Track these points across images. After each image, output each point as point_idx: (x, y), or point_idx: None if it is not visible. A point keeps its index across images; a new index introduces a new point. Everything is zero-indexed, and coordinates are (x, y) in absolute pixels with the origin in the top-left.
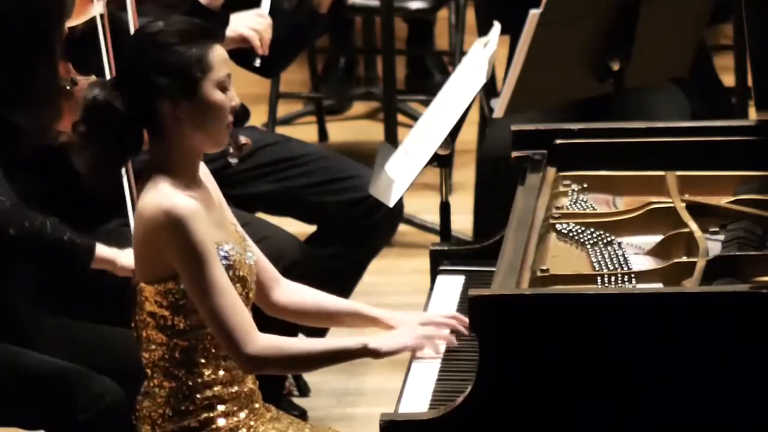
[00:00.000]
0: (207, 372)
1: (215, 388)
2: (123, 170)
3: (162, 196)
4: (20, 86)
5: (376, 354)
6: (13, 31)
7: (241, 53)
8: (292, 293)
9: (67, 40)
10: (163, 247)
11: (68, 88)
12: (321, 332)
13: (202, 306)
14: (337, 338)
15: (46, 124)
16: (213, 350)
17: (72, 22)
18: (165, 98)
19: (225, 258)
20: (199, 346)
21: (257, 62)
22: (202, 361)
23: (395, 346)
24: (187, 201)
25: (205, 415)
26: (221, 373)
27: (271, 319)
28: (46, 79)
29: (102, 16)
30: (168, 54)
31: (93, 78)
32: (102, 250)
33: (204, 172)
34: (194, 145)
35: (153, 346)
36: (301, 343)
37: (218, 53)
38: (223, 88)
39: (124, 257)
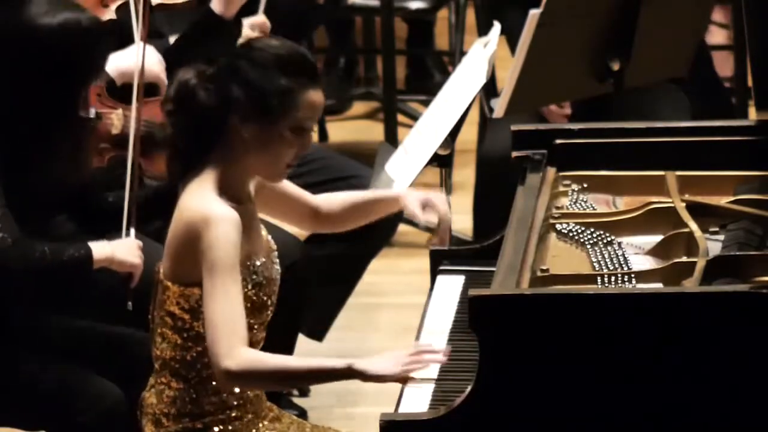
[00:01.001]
0: (215, 377)
1: (222, 394)
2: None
3: (204, 201)
4: (35, 138)
5: (362, 376)
6: (35, 85)
7: None
8: (330, 209)
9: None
10: (195, 251)
11: (92, 124)
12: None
13: (205, 308)
14: (322, 358)
15: (69, 170)
16: None
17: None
18: (237, 113)
19: (256, 274)
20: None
21: None
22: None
23: (381, 372)
24: (226, 210)
25: (211, 418)
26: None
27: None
28: (61, 133)
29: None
30: (255, 73)
31: (119, 111)
32: (98, 251)
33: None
34: (249, 168)
35: (166, 345)
36: (282, 361)
37: (311, 97)
38: (299, 131)
39: (120, 252)
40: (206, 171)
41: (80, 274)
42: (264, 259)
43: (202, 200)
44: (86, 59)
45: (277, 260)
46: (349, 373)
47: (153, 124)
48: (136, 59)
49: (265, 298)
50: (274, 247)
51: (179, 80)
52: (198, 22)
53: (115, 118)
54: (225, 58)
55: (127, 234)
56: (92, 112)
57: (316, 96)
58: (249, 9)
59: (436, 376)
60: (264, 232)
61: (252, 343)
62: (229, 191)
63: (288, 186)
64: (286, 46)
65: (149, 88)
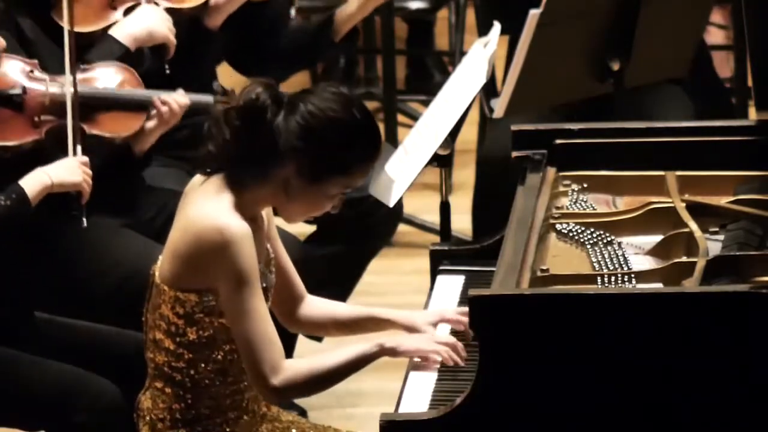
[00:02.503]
0: (211, 382)
1: (218, 398)
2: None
3: (219, 212)
4: None
5: (392, 352)
6: None
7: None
8: (310, 309)
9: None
10: (207, 263)
11: (16, 99)
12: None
13: (235, 329)
14: (352, 345)
15: None
16: (219, 363)
17: (91, 27)
18: (295, 160)
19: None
20: (204, 359)
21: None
22: (207, 372)
23: (412, 349)
24: (242, 224)
25: (206, 422)
26: (225, 384)
27: None
28: None
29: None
30: (333, 136)
31: (54, 80)
32: (31, 186)
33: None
34: (273, 204)
35: (159, 349)
36: (318, 362)
37: (363, 172)
38: (337, 196)
39: (57, 175)
40: (231, 186)
41: (21, 217)
42: (261, 266)
43: (217, 212)
44: None
45: (274, 269)
46: (381, 353)
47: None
48: (144, 22)
49: None
50: (272, 256)
51: (248, 96)
52: (185, 31)
53: (47, 88)
54: (308, 103)
55: (74, 154)
56: (17, 89)
57: (367, 171)
58: (245, 20)
59: (437, 374)
60: (267, 243)
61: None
62: (246, 211)
63: (287, 263)
64: (364, 113)
65: (157, 48)
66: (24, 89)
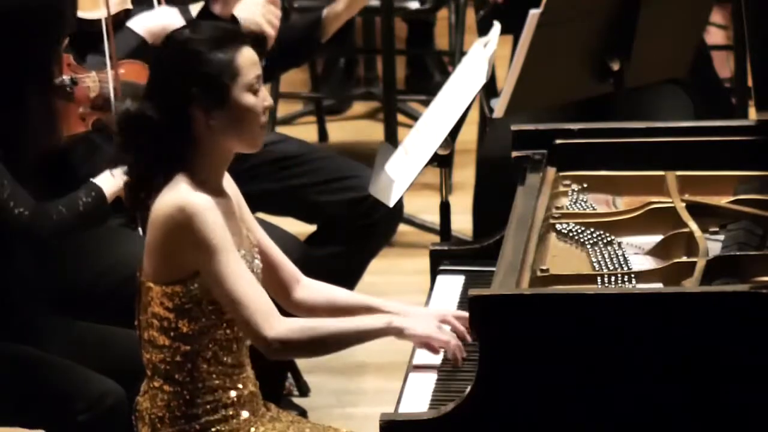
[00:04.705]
0: (208, 377)
1: (216, 393)
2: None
3: (177, 193)
4: (14, 106)
5: (399, 332)
6: (8, 50)
7: None
8: (308, 292)
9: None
10: (179, 243)
11: (68, 90)
12: None
13: (221, 295)
14: (360, 317)
15: (43, 139)
16: (215, 356)
17: (96, 14)
18: (197, 107)
19: None
20: (201, 351)
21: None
22: (204, 366)
23: (421, 333)
24: (202, 196)
25: (206, 419)
26: (223, 378)
27: None
28: (39, 98)
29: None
30: (197, 62)
31: (93, 75)
32: (107, 186)
33: (232, 186)
34: (228, 149)
35: (155, 348)
36: (325, 324)
37: (246, 56)
38: (253, 90)
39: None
40: (177, 171)
41: (101, 215)
42: (244, 252)
43: (172, 194)
44: (53, 18)
45: (259, 256)
46: (389, 330)
47: (131, 83)
48: (162, 19)
49: None
50: (255, 242)
51: (120, 113)
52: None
53: (90, 82)
54: (155, 70)
55: None
56: (67, 79)
57: (248, 52)
58: None
59: (436, 374)
60: (245, 230)
61: (237, 339)
62: (205, 187)
63: (270, 246)
64: (205, 26)
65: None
66: (73, 80)
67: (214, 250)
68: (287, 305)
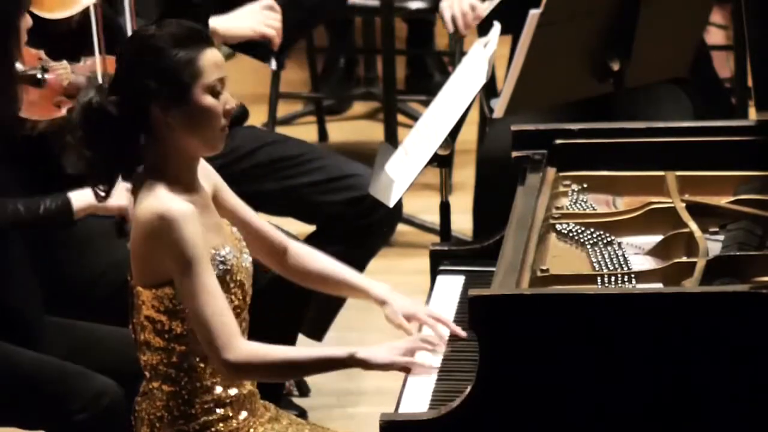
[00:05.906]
0: (206, 376)
1: (214, 392)
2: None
3: (157, 200)
4: None
5: (364, 364)
6: None
7: (253, 46)
8: (299, 260)
9: (48, 30)
10: (158, 251)
11: (39, 76)
12: (321, 333)
13: (189, 308)
14: (325, 347)
15: (3, 116)
16: None
17: (66, 13)
18: (156, 104)
19: (222, 263)
20: (197, 351)
21: (274, 64)
22: (201, 365)
23: (384, 361)
24: (182, 204)
25: (205, 418)
26: (220, 377)
27: (267, 322)
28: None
29: (96, 6)
30: (159, 59)
31: (65, 64)
32: (78, 199)
33: (205, 170)
34: (188, 149)
35: (151, 350)
36: (285, 351)
37: (209, 57)
38: (214, 92)
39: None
40: (148, 174)
41: (61, 226)
42: (229, 248)
43: (152, 200)
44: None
45: (247, 251)
46: (351, 362)
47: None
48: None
49: (234, 287)
50: (240, 237)
51: (81, 104)
52: (169, 6)
53: (62, 70)
54: (119, 65)
55: None
56: (38, 68)
57: (211, 54)
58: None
59: (436, 374)
60: (226, 224)
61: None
62: (179, 184)
63: (253, 217)
64: (170, 23)
65: None
66: (44, 68)
67: (189, 261)
68: (281, 271)
